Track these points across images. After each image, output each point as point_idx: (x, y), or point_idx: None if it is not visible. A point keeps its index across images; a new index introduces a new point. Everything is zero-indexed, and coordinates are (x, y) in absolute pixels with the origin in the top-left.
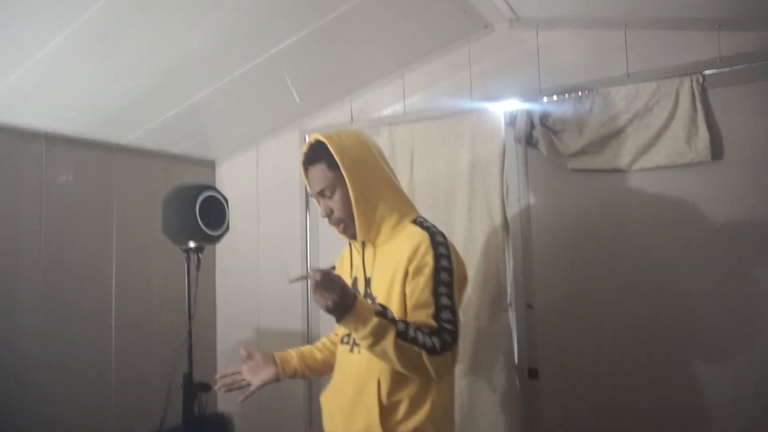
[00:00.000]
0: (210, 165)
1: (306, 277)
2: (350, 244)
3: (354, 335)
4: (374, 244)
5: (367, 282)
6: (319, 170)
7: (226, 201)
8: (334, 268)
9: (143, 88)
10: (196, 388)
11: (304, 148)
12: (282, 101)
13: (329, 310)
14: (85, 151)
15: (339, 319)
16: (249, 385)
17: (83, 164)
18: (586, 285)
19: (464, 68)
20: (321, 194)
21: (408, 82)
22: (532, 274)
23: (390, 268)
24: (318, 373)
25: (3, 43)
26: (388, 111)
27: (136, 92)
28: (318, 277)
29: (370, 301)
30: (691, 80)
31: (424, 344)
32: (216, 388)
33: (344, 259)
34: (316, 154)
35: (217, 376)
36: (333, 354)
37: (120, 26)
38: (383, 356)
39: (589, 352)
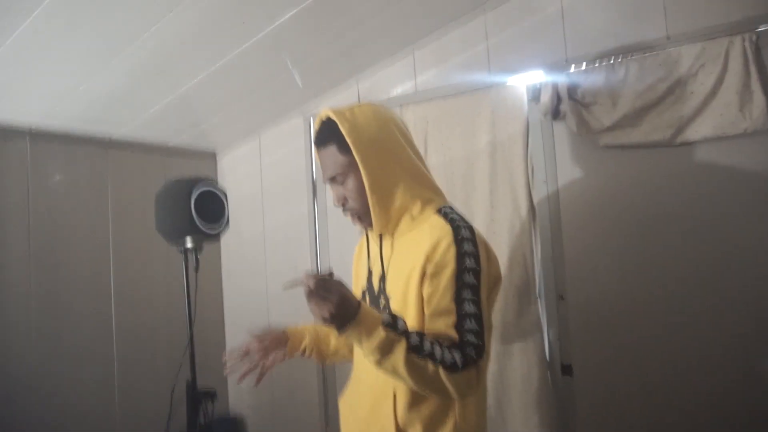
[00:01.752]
0: (211, 157)
1: (301, 283)
2: (367, 233)
3: (359, 349)
4: (392, 236)
5: (382, 279)
6: (330, 153)
7: (225, 194)
8: (331, 274)
9: (131, 76)
10: (200, 396)
11: (315, 125)
12: (283, 86)
13: (326, 321)
14: (75, 148)
15: (340, 330)
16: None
17: (73, 161)
18: (623, 274)
19: (480, 41)
20: (333, 181)
21: (419, 58)
22: (563, 263)
23: (407, 266)
24: (327, 360)
25: None
26: (398, 91)
27: (123, 81)
28: (311, 284)
29: (382, 307)
30: (743, 39)
31: (442, 360)
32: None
33: (362, 249)
34: (327, 134)
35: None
36: (347, 345)
37: (100, 9)
38: (394, 374)
39: (629, 346)
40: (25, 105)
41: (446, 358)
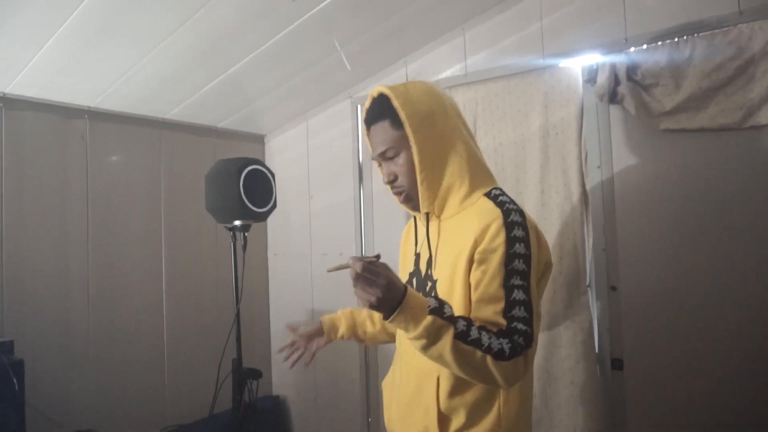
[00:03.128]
0: (259, 140)
1: (347, 266)
2: (415, 216)
3: (405, 335)
4: (439, 218)
5: (429, 262)
6: (382, 129)
7: (273, 175)
8: (378, 257)
9: (182, 58)
10: (246, 375)
11: (366, 104)
12: (331, 68)
13: (373, 307)
14: (130, 127)
15: (386, 316)
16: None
17: (128, 140)
18: (681, 265)
19: (534, 20)
20: (383, 156)
21: (469, 39)
22: (615, 253)
23: (454, 249)
24: (365, 343)
25: (34, 14)
26: (447, 73)
27: (175, 62)
28: (358, 267)
29: (428, 290)
30: None
31: (489, 347)
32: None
33: (409, 233)
34: (379, 110)
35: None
36: (384, 331)
37: None
38: (440, 360)
39: (685, 341)
40: (85, 86)
41: (493, 346)
